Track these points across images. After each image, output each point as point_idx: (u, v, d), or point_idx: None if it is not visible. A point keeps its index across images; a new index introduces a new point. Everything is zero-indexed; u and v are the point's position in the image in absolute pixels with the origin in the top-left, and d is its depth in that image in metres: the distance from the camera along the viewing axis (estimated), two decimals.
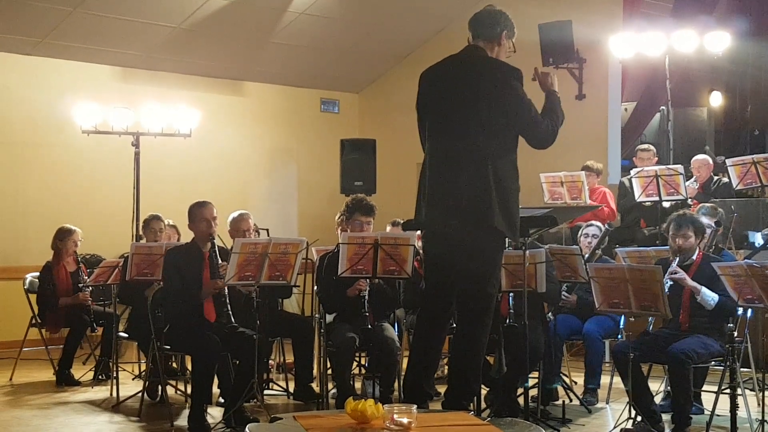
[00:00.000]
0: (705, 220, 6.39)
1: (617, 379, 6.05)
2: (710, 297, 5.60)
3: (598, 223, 7.13)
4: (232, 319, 5.88)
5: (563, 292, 6.51)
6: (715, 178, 9.29)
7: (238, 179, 11.20)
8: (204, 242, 6.07)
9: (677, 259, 5.72)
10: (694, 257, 5.81)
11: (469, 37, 4.77)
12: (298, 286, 6.52)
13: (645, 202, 8.82)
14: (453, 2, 10.99)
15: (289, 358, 7.02)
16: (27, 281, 8.08)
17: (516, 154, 4.70)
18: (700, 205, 7.45)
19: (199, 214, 6.06)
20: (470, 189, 4.54)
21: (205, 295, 5.97)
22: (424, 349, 4.82)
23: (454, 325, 5.15)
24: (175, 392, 6.95)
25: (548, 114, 4.71)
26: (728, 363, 5.13)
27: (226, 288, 5.92)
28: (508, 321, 5.62)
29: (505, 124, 4.60)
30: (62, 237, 7.82)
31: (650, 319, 5.64)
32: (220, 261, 5.88)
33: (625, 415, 5.58)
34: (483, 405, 5.69)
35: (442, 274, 4.77)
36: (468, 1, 11.15)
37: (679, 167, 8.68)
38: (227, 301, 5.93)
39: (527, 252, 5.45)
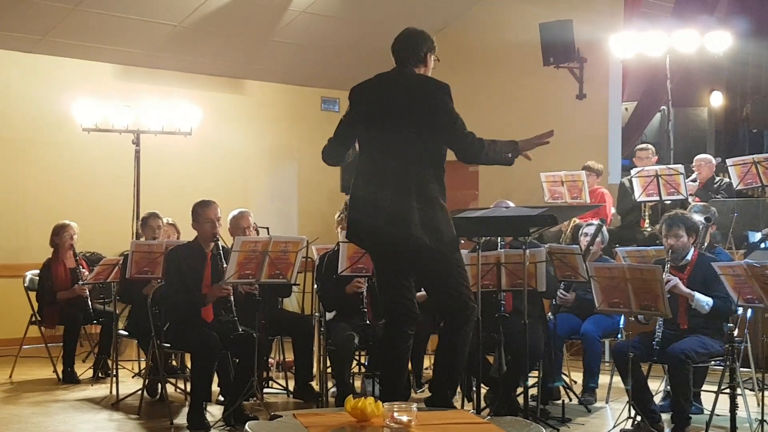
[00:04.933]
0: (697, 217, 6.40)
1: (617, 379, 6.06)
2: (704, 302, 5.60)
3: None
4: (239, 327, 5.87)
5: (561, 290, 6.50)
6: (717, 178, 9.29)
7: (239, 177, 11.20)
8: (207, 242, 6.06)
9: (669, 263, 5.71)
10: (689, 257, 5.81)
11: (395, 61, 4.81)
12: (298, 285, 6.53)
13: (645, 201, 8.83)
14: (454, 1, 11.00)
15: (289, 357, 7.02)
16: (27, 279, 8.09)
17: (443, 170, 4.72)
18: (692, 204, 7.45)
19: (203, 214, 6.05)
20: (393, 200, 4.59)
21: (210, 299, 5.97)
22: (394, 355, 4.83)
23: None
24: (175, 390, 6.95)
25: (492, 143, 4.72)
26: (728, 363, 5.14)
27: (232, 294, 5.92)
28: (500, 311, 5.60)
29: (433, 139, 4.64)
30: (58, 232, 7.86)
31: (657, 327, 5.63)
32: (225, 264, 5.87)
33: (625, 414, 5.58)
34: (483, 404, 5.70)
35: (391, 279, 4.81)
36: (469, 1, 11.20)
37: (680, 167, 8.69)
38: (232, 307, 5.92)
39: (527, 251, 5.46)
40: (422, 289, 5.07)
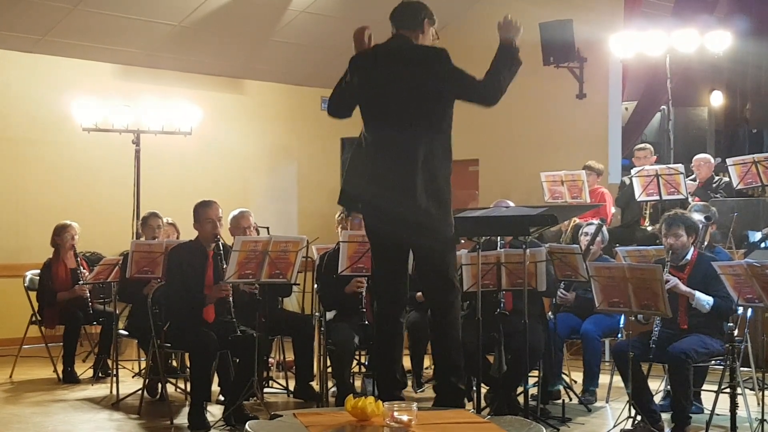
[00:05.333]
0: (697, 216, 6.40)
1: (617, 378, 6.05)
2: (705, 301, 5.60)
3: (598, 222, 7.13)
4: (237, 330, 5.87)
5: (561, 290, 6.50)
6: (716, 177, 9.29)
7: (239, 177, 11.20)
8: (208, 242, 6.06)
9: (669, 264, 5.71)
10: (689, 256, 5.81)
11: (393, 30, 4.84)
12: (299, 285, 6.52)
13: (646, 201, 8.82)
14: (453, 1, 10.99)
15: (289, 357, 7.02)
16: (27, 279, 8.09)
17: (449, 138, 4.74)
18: (692, 204, 7.45)
19: (204, 214, 6.05)
20: (397, 171, 4.62)
21: (211, 300, 5.96)
22: (387, 341, 4.87)
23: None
24: (175, 390, 6.94)
25: (496, 74, 4.72)
26: (728, 362, 5.13)
27: (231, 295, 5.92)
28: (499, 309, 5.60)
29: (436, 106, 4.67)
30: (59, 232, 7.85)
31: (654, 327, 5.63)
32: (225, 265, 5.87)
33: (625, 414, 5.58)
34: (483, 403, 5.70)
35: (387, 265, 4.85)
36: (468, 0, 11.19)
37: (680, 166, 8.69)
38: (231, 308, 5.92)
39: (527, 251, 5.45)
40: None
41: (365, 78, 4.80)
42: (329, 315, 6.52)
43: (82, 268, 7.82)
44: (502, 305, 5.68)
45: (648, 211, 8.97)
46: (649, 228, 8.78)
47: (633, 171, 8.91)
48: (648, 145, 9.66)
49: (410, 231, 4.66)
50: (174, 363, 7.17)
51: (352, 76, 4.87)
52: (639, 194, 8.73)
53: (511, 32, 4.80)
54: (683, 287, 5.64)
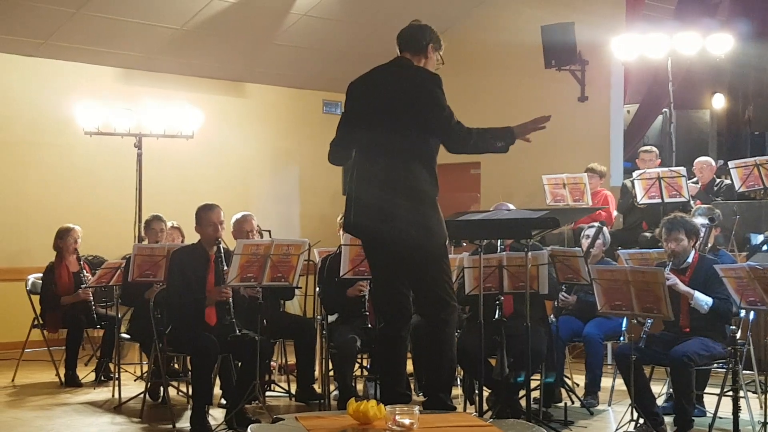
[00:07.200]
0: (700, 219, 6.38)
1: (619, 381, 6.05)
2: (703, 301, 5.59)
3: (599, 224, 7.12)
4: (237, 330, 5.87)
5: (563, 293, 6.49)
6: (718, 180, 9.29)
7: (241, 181, 11.21)
8: (210, 245, 6.07)
9: (670, 264, 5.71)
10: (690, 259, 5.80)
11: (398, 50, 4.85)
12: (300, 288, 6.52)
13: (647, 204, 8.81)
14: (455, 3, 11.00)
15: (291, 360, 7.02)
16: (29, 282, 8.09)
17: (434, 159, 4.71)
18: (696, 207, 7.46)
19: (206, 217, 6.06)
20: (384, 191, 4.61)
21: (210, 302, 5.97)
22: (390, 357, 4.85)
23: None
24: (177, 393, 6.94)
25: (483, 132, 4.69)
26: (730, 365, 5.13)
27: (231, 297, 5.92)
28: (496, 315, 5.59)
29: (421, 128, 4.63)
30: (62, 236, 7.86)
31: (644, 329, 5.63)
32: (226, 267, 5.87)
33: (627, 417, 5.57)
34: (485, 407, 5.70)
35: (383, 276, 4.82)
36: (470, 3, 11.20)
37: (682, 169, 8.68)
38: (231, 309, 5.92)
39: (529, 254, 5.45)
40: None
41: (358, 102, 4.80)
42: (331, 318, 6.53)
43: (84, 271, 7.83)
44: (498, 314, 5.63)
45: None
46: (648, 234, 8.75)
47: (635, 174, 8.91)
48: (653, 148, 9.66)
49: (400, 232, 4.61)
50: (176, 366, 7.17)
51: (346, 102, 4.88)
52: (641, 197, 8.72)
53: (529, 132, 4.78)
54: (682, 286, 5.63)
